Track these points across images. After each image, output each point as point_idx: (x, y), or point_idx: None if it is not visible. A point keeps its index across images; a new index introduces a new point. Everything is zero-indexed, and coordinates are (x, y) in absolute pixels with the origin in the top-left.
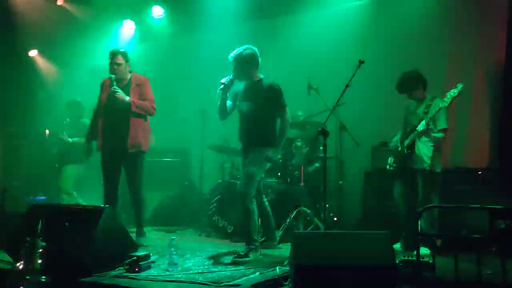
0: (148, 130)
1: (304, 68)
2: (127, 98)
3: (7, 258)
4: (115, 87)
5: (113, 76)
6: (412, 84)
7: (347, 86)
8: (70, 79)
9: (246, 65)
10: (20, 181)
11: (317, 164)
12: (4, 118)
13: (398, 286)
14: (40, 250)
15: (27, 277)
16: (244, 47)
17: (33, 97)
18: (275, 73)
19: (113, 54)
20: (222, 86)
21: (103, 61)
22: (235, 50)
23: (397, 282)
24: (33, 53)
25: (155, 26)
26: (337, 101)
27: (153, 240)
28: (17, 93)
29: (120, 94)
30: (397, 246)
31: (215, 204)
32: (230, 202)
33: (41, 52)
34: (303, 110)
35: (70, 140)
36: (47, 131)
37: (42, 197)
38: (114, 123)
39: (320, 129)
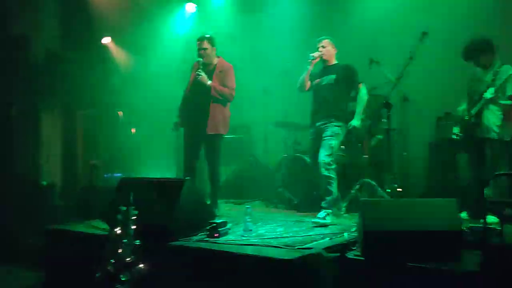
0: (227, 115)
1: (365, 42)
2: (209, 82)
3: (102, 225)
4: (199, 70)
5: (200, 59)
6: (480, 50)
7: (410, 58)
8: (142, 64)
9: (330, 49)
10: (97, 160)
11: (380, 136)
12: (82, 101)
13: (464, 252)
14: (133, 218)
15: (124, 241)
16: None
17: (107, 82)
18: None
19: (200, 40)
20: (312, 58)
21: (172, 45)
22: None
23: (462, 248)
24: (106, 40)
25: (216, 6)
26: (401, 73)
27: (225, 211)
28: (93, 78)
29: (203, 77)
30: (464, 215)
31: (281, 177)
32: (295, 174)
33: (114, 39)
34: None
35: None
36: (120, 113)
37: (118, 174)
38: (196, 104)
39: (383, 101)
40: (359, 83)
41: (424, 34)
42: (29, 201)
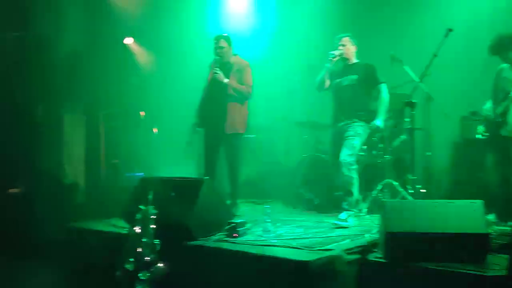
0: (245, 113)
1: (388, 39)
2: (226, 80)
3: (122, 224)
4: (216, 68)
5: (217, 57)
6: (508, 45)
7: (434, 55)
8: (164, 64)
9: (350, 47)
10: (119, 159)
11: (402, 136)
12: (103, 101)
13: (490, 256)
14: (152, 217)
15: (144, 240)
16: (349, 34)
17: (128, 82)
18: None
19: (217, 39)
20: (333, 56)
21: (194, 45)
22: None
23: (489, 251)
24: (128, 40)
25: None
26: (424, 72)
27: (244, 211)
28: (114, 78)
29: (220, 75)
30: (491, 217)
31: (301, 178)
32: (316, 175)
33: (136, 39)
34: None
35: None
36: (142, 113)
37: (140, 174)
38: (214, 103)
39: (406, 100)
40: (381, 82)
41: (449, 30)
42: (53, 199)
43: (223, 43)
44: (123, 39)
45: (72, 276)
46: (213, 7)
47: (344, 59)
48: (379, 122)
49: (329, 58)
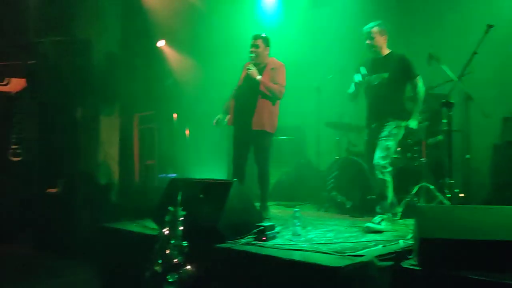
0: (275, 113)
1: (424, 38)
2: (258, 77)
3: (153, 225)
4: (250, 65)
5: (252, 55)
6: None
7: (474, 53)
8: (197, 67)
9: (379, 38)
10: (153, 160)
11: (439, 138)
12: (137, 103)
13: None
14: (181, 219)
15: (172, 241)
16: (378, 22)
17: (162, 84)
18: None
19: (254, 38)
20: (358, 81)
21: (225, 46)
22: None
23: None
24: (161, 43)
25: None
26: (463, 70)
27: (274, 214)
28: (148, 80)
29: (254, 71)
30: None
31: (333, 180)
32: (348, 178)
33: (168, 42)
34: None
35: None
36: (175, 115)
37: (173, 174)
38: (245, 101)
39: (443, 100)
40: (416, 76)
41: (490, 26)
42: (90, 199)
43: (259, 42)
44: (156, 42)
45: (103, 276)
46: (250, 9)
47: (374, 51)
48: (412, 123)
49: (353, 82)
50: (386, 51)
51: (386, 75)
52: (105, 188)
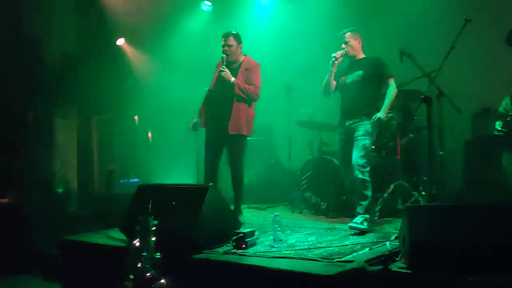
0: (251, 115)
1: (395, 35)
2: (232, 79)
3: (119, 236)
4: (223, 66)
5: (224, 55)
6: None
7: (452, 48)
8: (159, 66)
9: (353, 43)
10: (114, 165)
11: (411, 135)
12: (96, 105)
13: None
14: (153, 228)
15: (144, 254)
16: (351, 28)
17: (122, 85)
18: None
19: (225, 36)
20: (335, 59)
21: (189, 44)
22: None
23: None
24: (120, 41)
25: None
26: (439, 66)
27: (248, 218)
28: (107, 81)
29: (227, 73)
30: None
31: (306, 181)
32: (322, 178)
33: (128, 41)
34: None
35: None
36: (136, 117)
37: (135, 180)
38: (218, 103)
39: (422, 96)
40: (389, 77)
41: (467, 21)
42: (46, 209)
43: (231, 41)
44: (115, 41)
45: None
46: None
47: (350, 56)
48: (380, 114)
49: (330, 62)
50: (361, 55)
51: (360, 72)
52: (62, 196)
